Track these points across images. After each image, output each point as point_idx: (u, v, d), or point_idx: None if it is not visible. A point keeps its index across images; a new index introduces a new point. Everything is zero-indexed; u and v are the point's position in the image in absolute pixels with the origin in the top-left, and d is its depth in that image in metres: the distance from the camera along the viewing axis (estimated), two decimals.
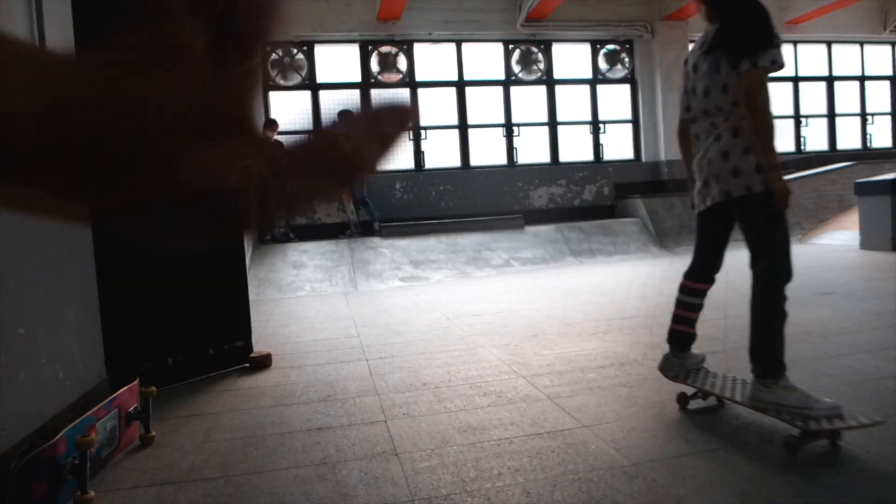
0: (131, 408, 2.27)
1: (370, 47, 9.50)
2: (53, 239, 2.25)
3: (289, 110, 9.11)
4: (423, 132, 9.61)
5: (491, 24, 9.70)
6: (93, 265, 2.63)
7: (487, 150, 9.94)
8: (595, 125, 10.36)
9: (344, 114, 0.35)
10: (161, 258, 3.02)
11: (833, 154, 11.34)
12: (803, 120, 11.43)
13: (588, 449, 2.01)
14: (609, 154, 10.41)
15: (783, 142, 11.32)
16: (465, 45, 9.84)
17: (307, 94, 9.34)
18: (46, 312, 2.13)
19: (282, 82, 9.31)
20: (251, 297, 4.00)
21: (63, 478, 1.76)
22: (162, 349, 3.01)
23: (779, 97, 11.30)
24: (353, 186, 8.46)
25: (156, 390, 2.38)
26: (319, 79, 9.37)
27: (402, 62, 9.60)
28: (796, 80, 11.39)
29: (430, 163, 9.66)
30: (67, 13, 2.51)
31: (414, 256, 7.67)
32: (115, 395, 2.21)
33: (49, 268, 2.18)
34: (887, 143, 11.96)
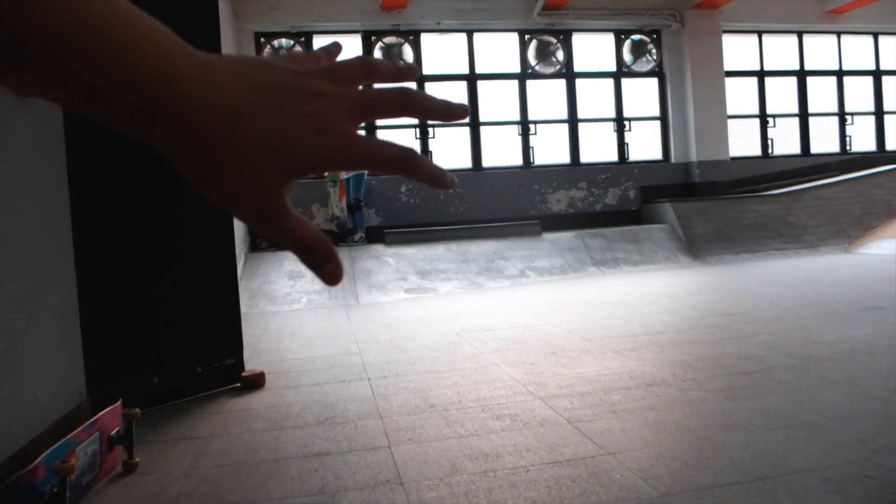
0: (114, 431, 2.28)
1: (374, 38, 9.57)
2: (32, 249, 2.28)
3: None
4: (430, 130, 9.64)
5: (505, 13, 9.75)
6: (73, 276, 2.66)
7: (501, 150, 9.96)
8: (619, 122, 10.36)
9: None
10: (146, 269, 3.05)
11: (881, 155, 11.26)
12: (848, 118, 11.37)
13: (612, 478, 2.00)
14: (635, 154, 10.40)
15: (827, 141, 11.26)
16: (476, 36, 9.89)
17: None
18: (25, 327, 2.15)
19: None
20: (243, 310, 4.03)
21: None
22: (146, 367, 3.02)
23: (821, 93, 11.26)
24: (350, 185, 8.50)
25: (140, 412, 2.39)
26: None
27: (408, 55, 9.65)
28: (840, 74, 11.34)
29: (439, 164, 9.68)
30: None
31: (420, 266, 7.68)
32: (96, 416, 2.23)
33: (27, 279, 2.20)
34: None
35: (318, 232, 0.36)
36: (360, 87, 0.39)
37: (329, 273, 0.37)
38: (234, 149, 0.33)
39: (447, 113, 0.41)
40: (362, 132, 0.38)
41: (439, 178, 0.40)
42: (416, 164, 0.38)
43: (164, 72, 0.32)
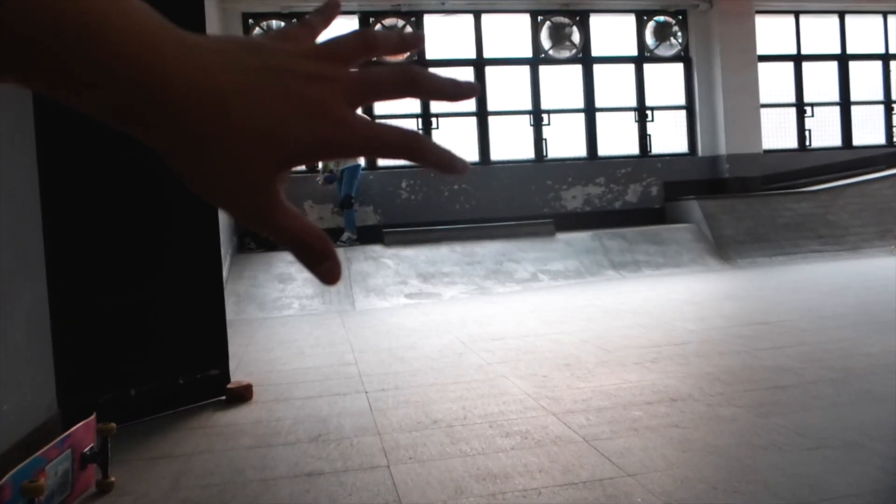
0: (87, 448, 2.29)
1: (371, 20, 9.59)
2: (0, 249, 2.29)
3: None
4: (433, 120, 9.66)
5: None
6: (44, 278, 2.67)
7: (511, 142, 9.97)
8: (641, 112, 10.36)
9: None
10: (123, 271, 3.06)
11: None
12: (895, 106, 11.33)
13: (632, 502, 2.00)
14: (658, 147, 10.39)
15: (871, 132, 11.22)
16: (484, 17, 9.90)
17: None
18: None
19: None
20: (229, 316, 4.04)
21: None
22: (123, 378, 3.03)
23: (865, 80, 11.21)
24: (342, 180, 8.47)
25: (116, 427, 2.40)
26: None
27: None
28: (886, 58, 11.31)
29: (447, 147, 9.66)
30: None
31: (422, 268, 7.69)
32: (68, 432, 2.24)
33: None
34: None
35: (316, 228, 0.37)
36: (360, 66, 0.39)
37: (327, 271, 0.37)
38: (224, 137, 0.34)
39: (454, 92, 0.41)
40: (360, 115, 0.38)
41: (449, 163, 0.39)
42: (421, 148, 0.38)
43: (148, 55, 0.32)
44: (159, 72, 0.32)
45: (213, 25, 7.30)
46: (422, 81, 0.39)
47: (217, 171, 0.34)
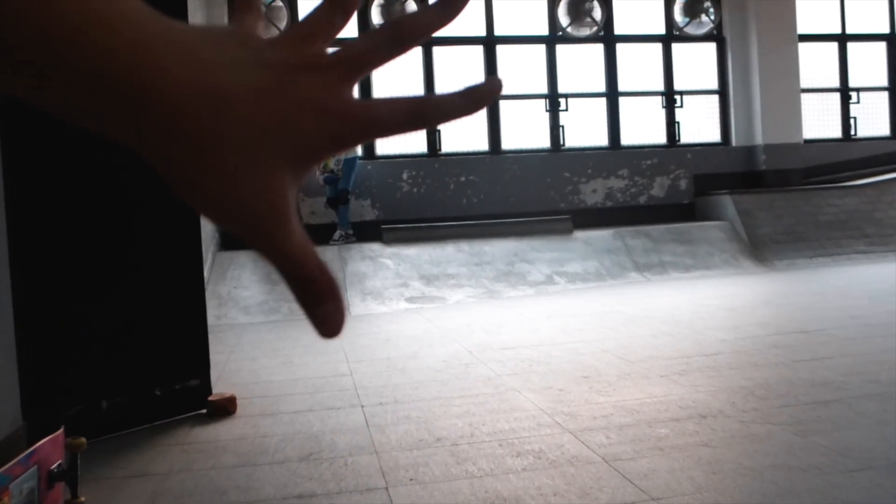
0: (55, 465, 2.30)
1: None
2: None
3: None
4: None
5: None
6: (7, 281, 2.68)
7: (525, 130, 9.96)
8: (669, 97, 10.34)
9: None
10: (95, 271, 3.07)
11: None
12: None
13: None
14: (687, 136, 10.37)
15: None
16: None
17: None
18: None
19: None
20: (210, 321, 4.05)
21: None
22: (94, 388, 3.04)
23: None
24: (342, 173, 8.48)
25: (86, 442, 2.41)
26: None
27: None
28: None
29: (449, 146, 9.69)
30: None
31: (426, 270, 7.69)
32: (34, 447, 2.24)
33: None
34: None
35: (324, 264, 0.35)
36: (341, 40, 0.39)
37: (327, 316, 0.35)
38: (224, 144, 0.33)
39: (441, 15, 0.39)
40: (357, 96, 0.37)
41: (478, 99, 0.38)
42: (435, 107, 0.37)
43: (139, 55, 0.31)
44: (142, 67, 0.31)
45: (195, 7, 7.31)
46: (407, 27, 0.38)
47: (217, 183, 0.33)
